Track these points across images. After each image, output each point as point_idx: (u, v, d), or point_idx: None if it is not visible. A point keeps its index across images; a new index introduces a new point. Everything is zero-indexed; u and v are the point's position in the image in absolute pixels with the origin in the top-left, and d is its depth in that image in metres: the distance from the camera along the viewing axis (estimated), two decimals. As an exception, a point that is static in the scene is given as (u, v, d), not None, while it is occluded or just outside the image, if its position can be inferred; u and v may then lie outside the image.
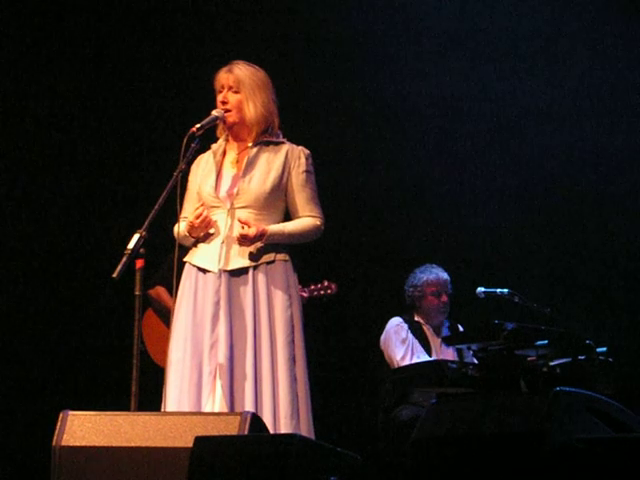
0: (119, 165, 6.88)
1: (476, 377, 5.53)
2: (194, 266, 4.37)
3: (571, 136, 6.87)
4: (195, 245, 4.41)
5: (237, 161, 4.45)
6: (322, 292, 5.91)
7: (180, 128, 4.40)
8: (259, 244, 4.31)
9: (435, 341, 6.26)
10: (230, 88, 4.43)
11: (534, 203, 6.92)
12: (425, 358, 6.11)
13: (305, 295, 5.70)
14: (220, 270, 4.30)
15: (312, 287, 5.90)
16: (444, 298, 6.23)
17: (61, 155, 6.80)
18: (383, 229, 7.08)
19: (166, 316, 5.64)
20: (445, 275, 6.27)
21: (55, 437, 3.61)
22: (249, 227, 4.28)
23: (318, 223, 4.44)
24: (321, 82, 6.92)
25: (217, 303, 4.28)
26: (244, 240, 4.29)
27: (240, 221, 4.30)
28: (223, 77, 4.46)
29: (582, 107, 6.85)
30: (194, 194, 4.45)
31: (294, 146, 4.48)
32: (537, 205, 6.92)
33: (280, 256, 4.37)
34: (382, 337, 6.24)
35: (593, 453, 3.03)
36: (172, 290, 4.34)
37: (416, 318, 6.28)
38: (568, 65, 6.91)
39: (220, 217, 4.37)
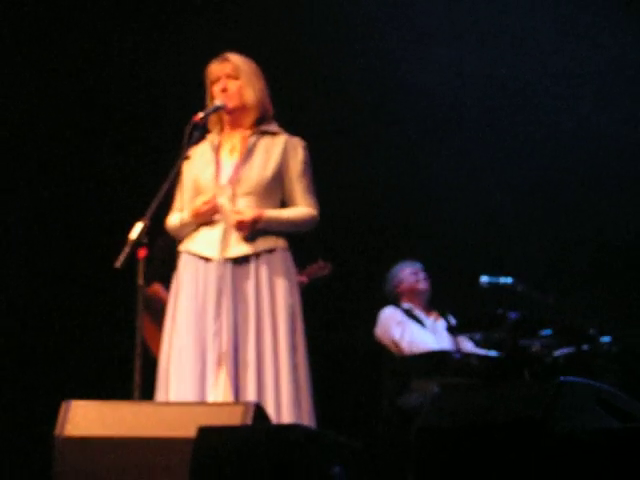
0: (120, 154, 6.86)
1: (479, 367, 5.54)
2: (194, 254, 4.36)
3: (570, 123, 6.86)
4: (195, 231, 4.39)
5: (236, 150, 4.44)
6: (320, 273, 5.87)
7: (182, 118, 4.38)
8: (258, 228, 4.31)
9: (428, 320, 6.35)
10: (229, 76, 4.43)
11: (538, 191, 6.92)
12: (425, 334, 6.15)
13: (305, 280, 5.65)
14: (222, 258, 4.29)
15: (309, 269, 5.85)
16: (421, 275, 6.44)
17: (60, 144, 6.78)
18: (383, 217, 7.07)
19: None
20: (417, 263, 6.50)
21: (57, 427, 3.59)
22: (241, 214, 4.28)
23: (314, 213, 4.44)
24: (316, 70, 6.90)
25: (220, 291, 4.26)
26: (242, 226, 4.28)
27: (233, 211, 4.30)
28: (218, 67, 4.46)
29: (585, 92, 6.85)
30: (189, 184, 4.44)
31: (292, 136, 4.49)
32: (541, 193, 6.92)
33: (280, 243, 4.37)
34: (377, 328, 6.29)
35: (598, 443, 3.01)
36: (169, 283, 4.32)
37: (404, 306, 6.37)
38: (569, 56, 6.90)
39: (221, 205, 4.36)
